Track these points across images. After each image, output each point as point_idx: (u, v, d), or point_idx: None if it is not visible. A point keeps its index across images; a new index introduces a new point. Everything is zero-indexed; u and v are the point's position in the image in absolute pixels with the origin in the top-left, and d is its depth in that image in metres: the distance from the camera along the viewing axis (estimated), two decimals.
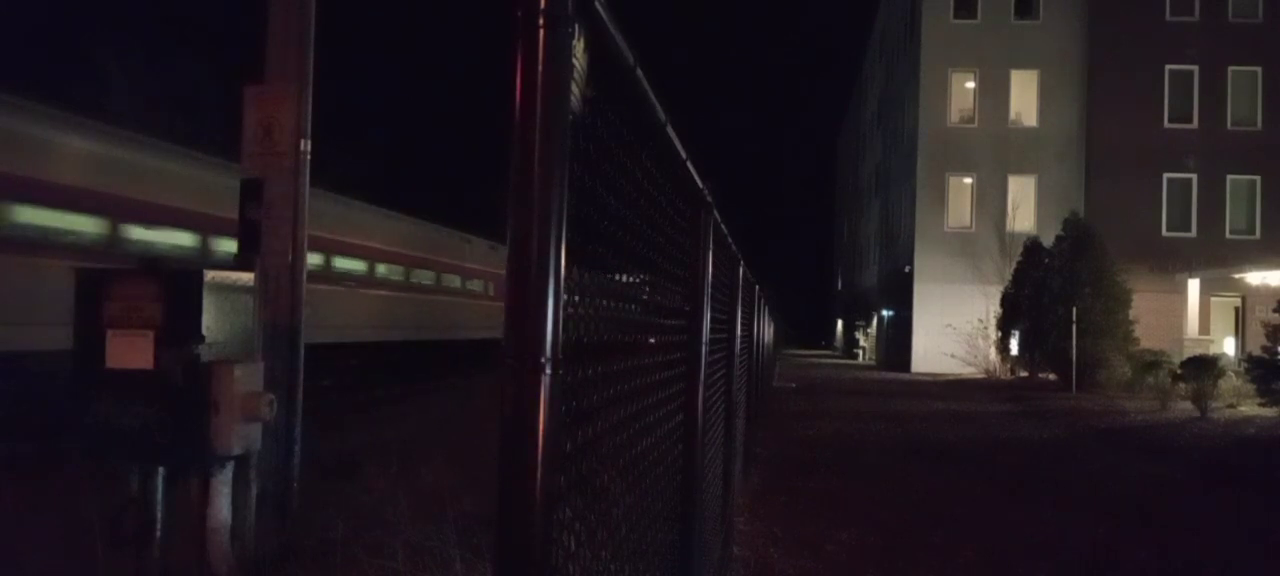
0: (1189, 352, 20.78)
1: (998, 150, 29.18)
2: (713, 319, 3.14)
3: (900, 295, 31.44)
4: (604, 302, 1.55)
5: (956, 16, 29.63)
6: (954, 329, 27.59)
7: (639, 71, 1.53)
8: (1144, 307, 23.49)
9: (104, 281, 4.15)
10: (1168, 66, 27.93)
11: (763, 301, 10.15)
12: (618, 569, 1.76)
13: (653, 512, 2.28)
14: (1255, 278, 24.66)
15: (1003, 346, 25.35)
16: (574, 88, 1.10)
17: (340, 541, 4.49)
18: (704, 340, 2.84)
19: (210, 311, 4.13)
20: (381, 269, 17.71)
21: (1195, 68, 27.80)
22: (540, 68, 1.03)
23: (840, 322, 55.71)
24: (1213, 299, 27.21)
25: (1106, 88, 28.30)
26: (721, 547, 4.81)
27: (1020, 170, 29.03)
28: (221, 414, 4.07)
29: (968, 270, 28.44)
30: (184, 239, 11.96)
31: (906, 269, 30.44)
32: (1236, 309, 27.48)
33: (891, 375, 28.60)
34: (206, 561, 4.19)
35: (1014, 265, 24.83)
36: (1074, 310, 20.75)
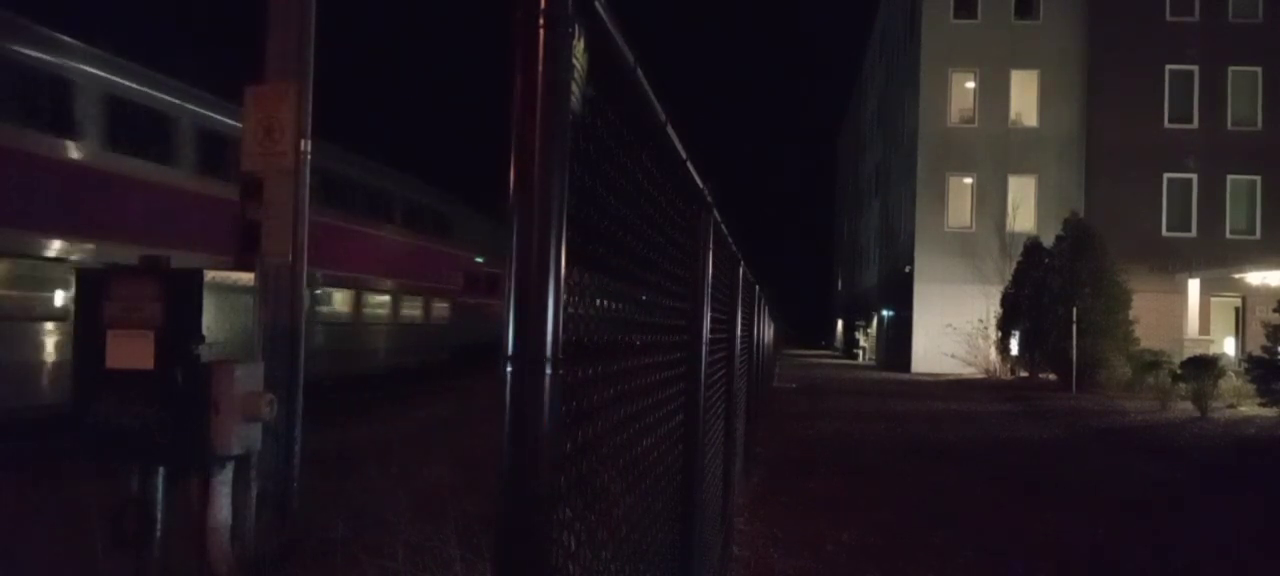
0: (1189, 352, 20.76)
1: (998, 150, 29.18)
2: (713, 319, 3.14)
3: (900, 295, 31.43)
4: (604, 302, 1.55)
5: (956, 16, 29.62)
6: (954, 329, 27.59)
7: (639, 71, 1.53)
8: (1144, 307, 23.49)
9: (104, 281, 4.15)
10: (1168, 66, 27.93)
11: (763, 301, 10.14)
12: (618, 569, 1.76)
13: (653, 512, 2.28)
14: (1255, 278, 24.66)
15: (1003, 346, 25.35)
16: (574, 88, 1.10)
17: (340, 541, 4.49)
18: (704, 340, 2.84)
19: (210, 311, 4.13)
20: None
21: (1195, 68, 27.80)
22: (540, 68, 1.03)
23: (840, 322, 55.70)
24: (1213, 299, 27.20)
25: (1106, 88, 28.29)
26: (721, 547, 4.81)
27: (1020, 170, 29.02)
28: (221, 414, 4.07)
29: (968, 270, 28.44)
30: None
31: (906, 269, 30.44)
32: (1236, 309, 27.47)
33: (891, 375, 28.60)
34: (206, 561, 4.19)
35: (1014, 265, 24.83)
36: (1074, 310, 20.75)
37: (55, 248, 9.68)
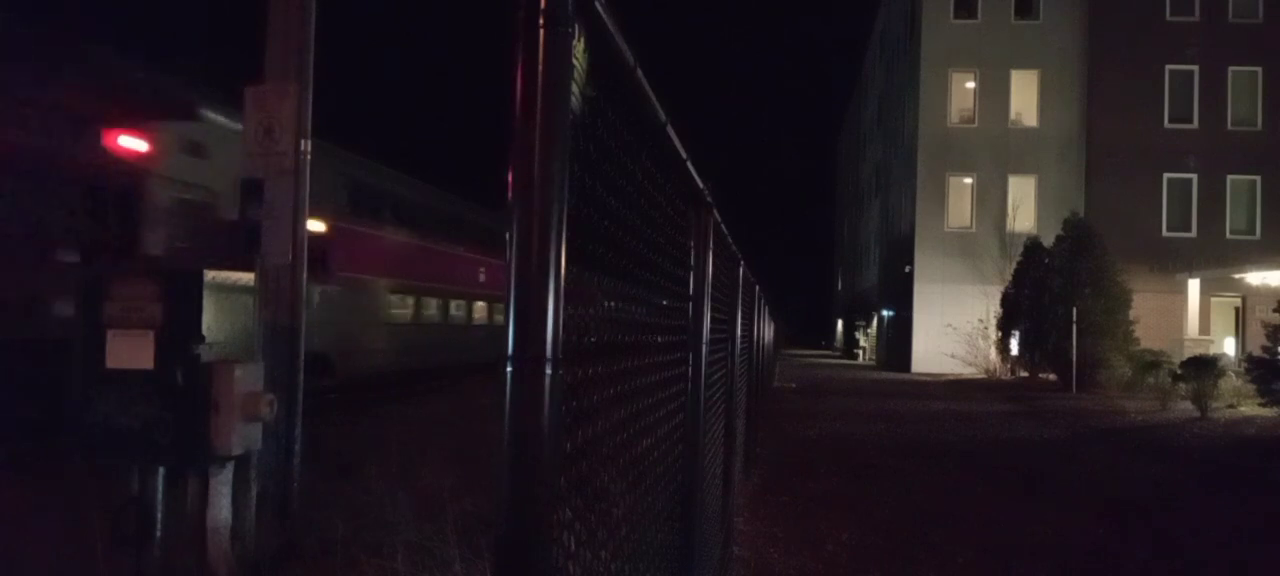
0: (1189, 353, 20.77)
1: (998, 150, 29.18)
2: (713, 319, 3.14)
3: (900, 295, 31.44)
4: (605, 302, 1.55)
5: (956, 16, 29.63)
6: (954, 329, 27.59)
7: (639, 71, 1.53)
8: (1144, 307, 23.49)
9: (104, 281, 4.15)
10: (1168, 66, 27.93)
11: (763, 301, 10.14)
12: (618, 569, 1.76)
13: (653, 512, 2.28)
14: (1255, 278, 24.65)
15: (1003, 346, 25.34)
16: (574, 88, 1.10)
17: (340, 541, 4.49)
18: (704, 340, 2.84)
19: (210, 311, 4.14)
20: None
21: (1195, 68, 27.80)
22: (540, 68, 1.03)
23: (840, 322, 55.69)
24: (1213, 299, 27.20)
25: (1106, 88, 28.29)
26: (722, 547, 4.80)
27: (1020, 170, 29.03)
28: (221, 414, 4.07)
29: (968, 270, 28.44)
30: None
31: (906, 269, 30.44)
32: (1236, 309, 27.47)
33: (891, 375, 28.60)
34: (206, 561, 4.19)
35: (1014, 265, 24.83)
36: (1074, 310, 20.75)
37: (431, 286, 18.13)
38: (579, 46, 1.11)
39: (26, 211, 8.31)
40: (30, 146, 8.48)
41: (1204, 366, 16.97)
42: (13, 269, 8.05)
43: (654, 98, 1.72)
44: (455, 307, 19.97)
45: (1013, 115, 29.45)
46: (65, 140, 8.84)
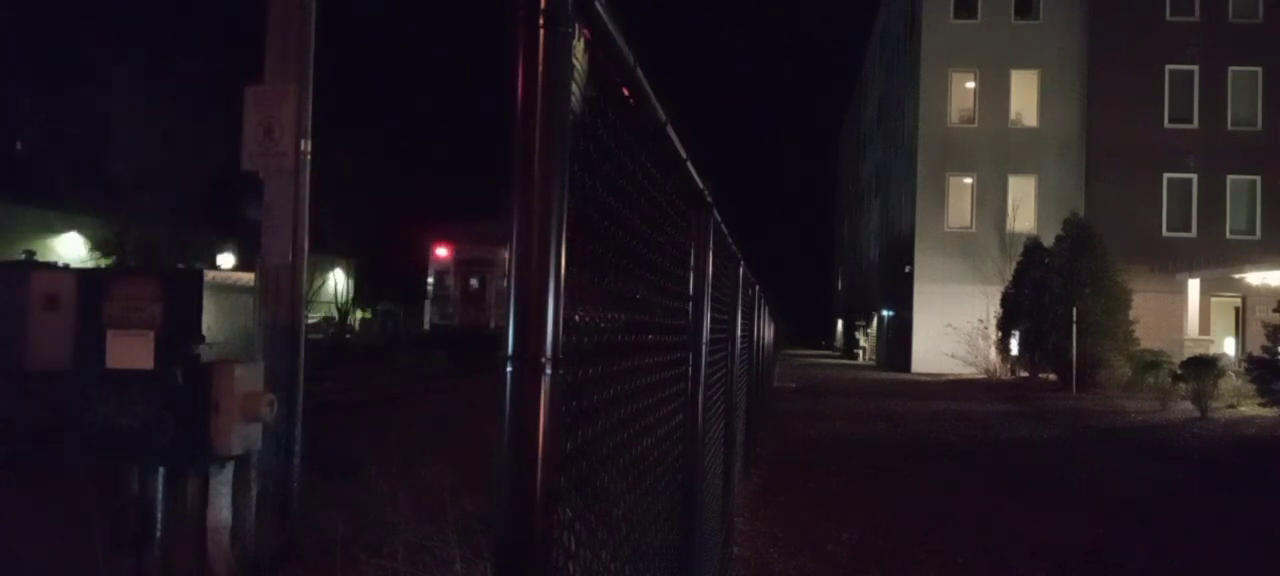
0: (1189, 353, 20.74)
1: (998, 150, 29.17)
2: (713, 319, 3.14)
3: (900, 295, 31.44)
4: (604, 303, 1.55)
5: (956, 16, 29.62)
6: (954, 329, 27.58)
7: (639, 71, 1.53)
8: (1144, 307, 23.48)
9: (104, 281, 4.15)
10: (1168, 66, 27.92)
11: (763, 301, 10.14)
12: (618, 569, 1.76)
13: (653, 512, 2.28)
14: (1255, 278, 24.63)
15: (1003, 346, 25.34)
16: (574, 88, 1.10)
17: (340, 541, 4.49)
18: (704, 340, 2.84)
19: (210, 311, 4.14)
20: None
21: (1195, 68, 27.79)
22: (540, 68, 1.03)
23: (840, 322, 55.67)
24: (1213, 299, 27.19)
25: (1106, 88, 28.29)
26: (722, 547, 4.80)
27: (1020, 170, 29.02)
28: (221, 414, 4.07)
29: (968, 270, 28.43)
30: None
31: (906, 269, 30.44)
32: (1236, 309, 27.46)
33: (892, 375, 28.60)
34: (206, 561, 4.19)
35: (1014, 265, 24.83)
36: (1074, 310, 20.75)
37: None
38: (579, 46, 1.11)
39: (457, 282, 25.21)
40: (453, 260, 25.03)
41: (1204, 366, 16.96)
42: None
43: (654, 97, 1.72)
44: None
45: (1013, 115, 29.45)
46: (465, 252, 25.00)
